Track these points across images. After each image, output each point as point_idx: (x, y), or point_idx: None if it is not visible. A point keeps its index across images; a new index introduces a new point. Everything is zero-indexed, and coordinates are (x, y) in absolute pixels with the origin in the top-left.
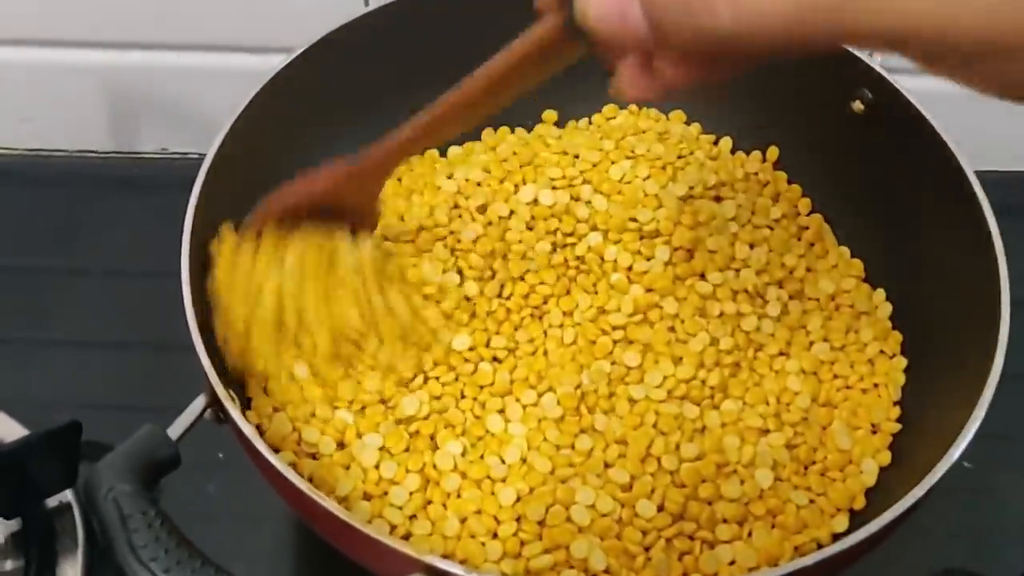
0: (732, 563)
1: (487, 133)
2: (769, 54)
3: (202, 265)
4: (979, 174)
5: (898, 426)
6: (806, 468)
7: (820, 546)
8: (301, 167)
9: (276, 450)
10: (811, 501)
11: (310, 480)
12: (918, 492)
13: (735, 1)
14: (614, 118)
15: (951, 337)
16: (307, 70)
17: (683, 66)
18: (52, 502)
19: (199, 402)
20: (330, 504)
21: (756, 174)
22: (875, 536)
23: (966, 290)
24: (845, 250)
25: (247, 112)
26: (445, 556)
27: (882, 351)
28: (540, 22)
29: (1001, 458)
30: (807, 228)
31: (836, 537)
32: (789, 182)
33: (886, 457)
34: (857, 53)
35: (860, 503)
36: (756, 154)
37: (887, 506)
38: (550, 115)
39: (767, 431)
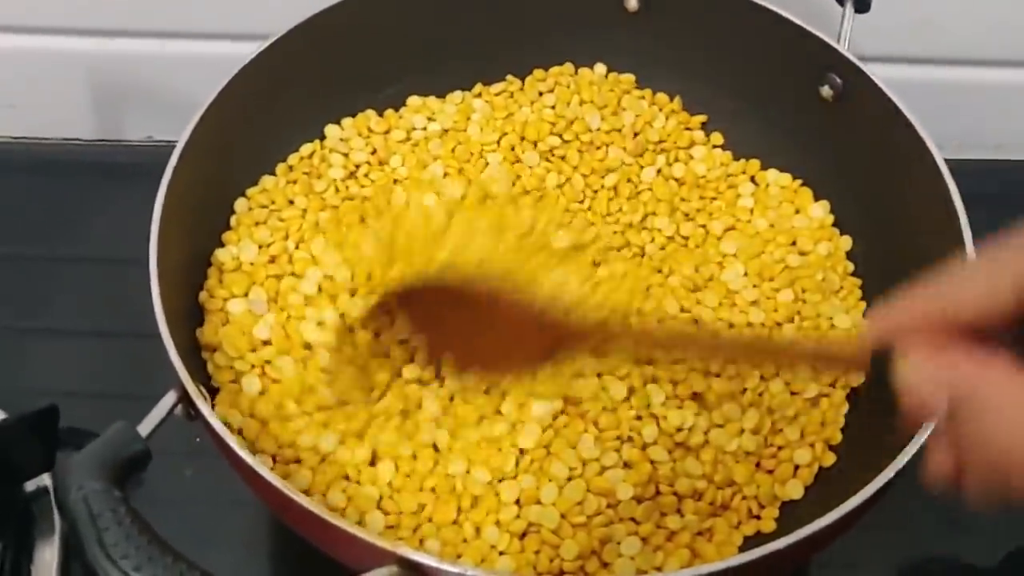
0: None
1: None
2: None
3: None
4: (949, 162)
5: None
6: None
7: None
8: (275, 156)
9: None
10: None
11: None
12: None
13: None
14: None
15: None
16: (282, 57)
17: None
18: (30, 486)
19: (169, 398)
20: (300, 498)
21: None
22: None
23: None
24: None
25: (219, 100)
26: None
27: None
28: (842, 345)
29: None
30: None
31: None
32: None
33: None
34: (826, 39)
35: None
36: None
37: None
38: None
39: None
